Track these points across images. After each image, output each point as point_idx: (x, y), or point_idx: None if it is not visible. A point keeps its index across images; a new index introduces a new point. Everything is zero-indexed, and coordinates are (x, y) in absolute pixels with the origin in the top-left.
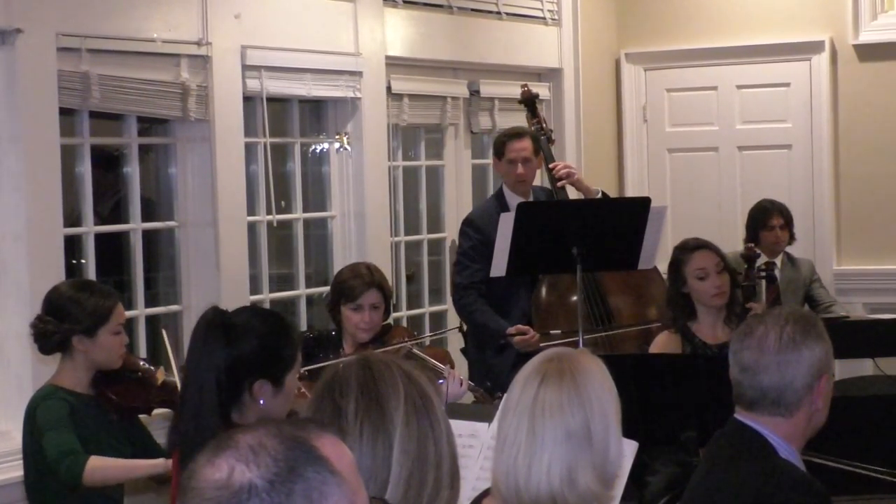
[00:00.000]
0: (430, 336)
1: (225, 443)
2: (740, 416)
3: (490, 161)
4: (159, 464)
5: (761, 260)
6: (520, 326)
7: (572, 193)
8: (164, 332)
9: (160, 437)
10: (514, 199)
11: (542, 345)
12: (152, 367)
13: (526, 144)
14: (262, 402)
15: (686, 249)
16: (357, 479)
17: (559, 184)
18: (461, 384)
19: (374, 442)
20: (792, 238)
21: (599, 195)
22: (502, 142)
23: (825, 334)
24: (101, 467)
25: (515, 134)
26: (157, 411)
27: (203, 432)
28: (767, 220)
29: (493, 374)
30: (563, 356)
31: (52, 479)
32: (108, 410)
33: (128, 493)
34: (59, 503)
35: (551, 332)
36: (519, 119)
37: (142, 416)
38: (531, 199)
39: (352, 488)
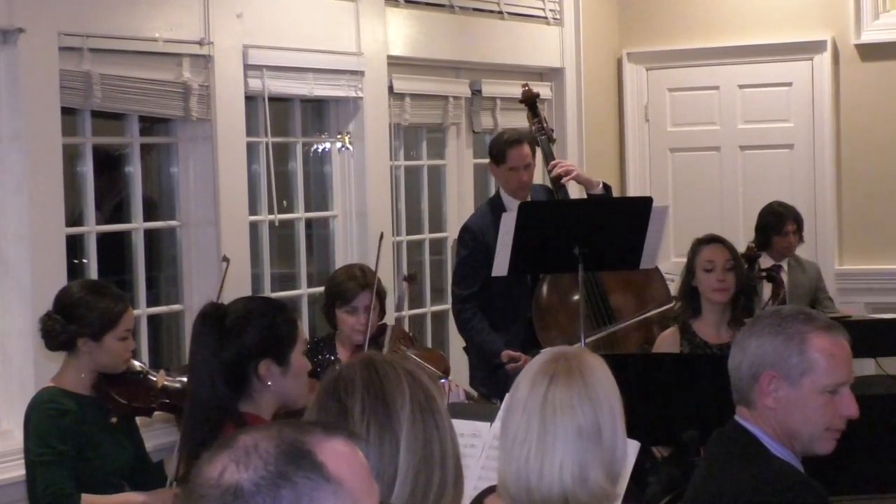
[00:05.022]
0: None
1: (227, 441)
2: (737, 415)
3: None
4: (154, 499)
5: (767, 263)
6: (510, 353)
7: (574, 190)
8: None
9: (159, 437)
10: (512, 204)
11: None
12: (153, 371)
13: (527, 151)
14: (269, 383)
15: (702, 241)
16: (364, 486)
17: (562, 181)
18: (458, 393)
19: (381, 441)
20: (801, 241)
21: (601, 187)
22: (502, 149)
23: (795, 338)
24: None
25: (514, 140)
26: (156, 413)
27: (213, 428)
28: (782, 226)
29: (495, 372)
30: (570, 355)
31: None
32: (110, 411)
33: None
34: None
35: (590, 338)
36: (521, 118)
37: (143, 419)
38: (529, 199)
39: (353, 496)
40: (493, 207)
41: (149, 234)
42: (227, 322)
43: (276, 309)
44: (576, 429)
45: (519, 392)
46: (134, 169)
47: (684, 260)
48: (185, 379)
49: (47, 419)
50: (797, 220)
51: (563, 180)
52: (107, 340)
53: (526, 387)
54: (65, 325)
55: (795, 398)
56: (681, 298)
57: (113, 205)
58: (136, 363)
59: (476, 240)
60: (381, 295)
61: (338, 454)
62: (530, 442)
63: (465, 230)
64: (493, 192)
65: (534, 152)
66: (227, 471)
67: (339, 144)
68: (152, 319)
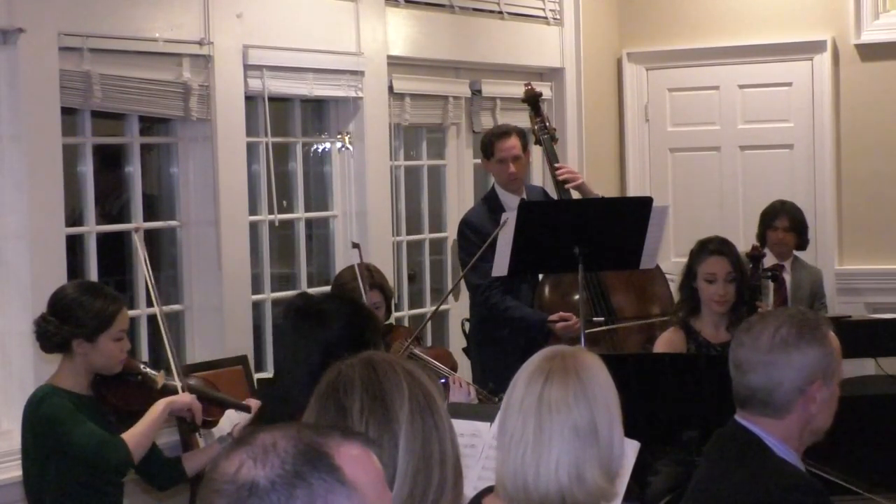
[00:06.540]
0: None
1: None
2: (738, 416)
3: None
4: (166, 402)
5: (769, 261)
6: (562, 313)
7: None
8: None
9: (159, 437)
10: (507, 197)
11: (585, 332)
12: (153, 372)
13: (514, 142)
14: None
15: (705, 250)
16: (378, 493)
17: (566, 186)
18: (468, 391)
19: (380, 440)
20: (802, 244)
21: None
22: (490, 141)
23: (826, 339)
24: (136, 438)
25: (502, 133)
26: None
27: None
28: (773, 219)
29: (495, 373)
30: (566, 354)
31: (52, 476)
32: (107, 412)
33: (127, 493)
34: (59, 501)
35: (594, 319)
36: (521, 118)
37: None
38: (524, 195)
39: (366, 500)
40: (489, 203)
41: (149, 234)
42: (324, 317)
43: (366, 313)
44: (571, 427)
45: (515, 391)
46: (134, 169)
47: (684, 260)
48: (187, 378)
49: (61, 404)
50: (792, 218)
51: (567, 186)
52: (101, 341)
53: (522, 385)
54: (59, 326)
55: (829, 396)
56: (680, 294)
57: (119, 204)
58: (141, 364)
59: (476, 231)
60: (387, 294)
61: (354, 459)
62: (526, 441)
63: (466, 224)
64: None
65: (525, 146)
66: (243, 467)
67: (339, 144)
68: (152, 319)
